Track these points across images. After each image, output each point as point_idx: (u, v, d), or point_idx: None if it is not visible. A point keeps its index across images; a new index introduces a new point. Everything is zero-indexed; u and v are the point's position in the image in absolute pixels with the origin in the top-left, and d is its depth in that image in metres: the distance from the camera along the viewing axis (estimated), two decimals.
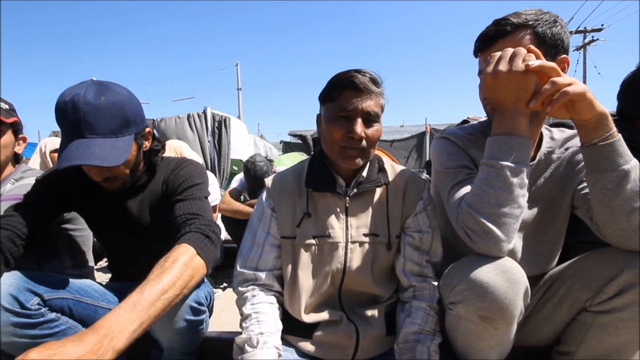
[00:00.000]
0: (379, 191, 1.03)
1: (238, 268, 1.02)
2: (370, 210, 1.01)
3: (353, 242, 0.99)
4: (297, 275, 0.98)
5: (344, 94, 0.93)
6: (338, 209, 1.00)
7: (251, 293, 0.98)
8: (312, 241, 0.99)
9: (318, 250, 0.99)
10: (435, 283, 0.99)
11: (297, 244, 0.99)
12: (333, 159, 0.99)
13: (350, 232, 0.99)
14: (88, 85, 0.97)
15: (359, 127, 0.91)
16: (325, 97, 0.97)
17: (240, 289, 1.00)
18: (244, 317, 0.95)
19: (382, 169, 1.05)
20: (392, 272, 1.04)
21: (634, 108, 1.24)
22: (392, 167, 1.08)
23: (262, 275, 1.00)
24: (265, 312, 0.94)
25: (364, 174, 1.01)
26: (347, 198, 1.00)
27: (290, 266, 1.00)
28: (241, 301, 0.99)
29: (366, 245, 1.00)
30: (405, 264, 1.00)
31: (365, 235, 0.99)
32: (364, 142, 0.93)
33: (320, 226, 0.99)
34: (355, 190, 1.00)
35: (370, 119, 0.93)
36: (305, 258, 0.99)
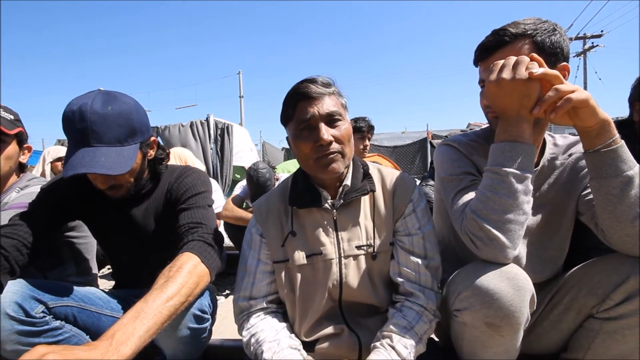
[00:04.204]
0: (366, 199, 0.99)
1: (233, 300, 1.01)
2: (359, 220, 0.97)
3: (346, 257, 0.95)
4: (294, 298, 0.97)
5: (298, 107, 0.91)
6: (326, 223, 0.97)
7: (245, 321, 0.98)
8: (305, 261, 0.96)
9: (312, 269, 0.96)
10: (433, 292, 0.94)
11: (291, 267, 0.97)
12: (313, 174, 0.96)
13: (342, 247, 0.96)
14: (95, 94, 0.98)
15: (324, 132, 0.88)
16: (285, 117, 0.96)
17: (238, 321, 1.00)
18: (245, 345, 0.95)
19: (367, 175, 1.01)
20: (391, 280, 1.00)
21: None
22: (379, 172, 1.03)
23: (256, 303, 0.98)
24: (261, 329, 0.93)
25: (348, 182, 0.97)
26: (335, 211, 0.97)
27: (286, 290, 0.97)
28: (240, 330, 0.99)
29: (360, 258, 0.96)
30: (400, 270, 0.95)
31: (358, 247, 0.96)
32: (335, 145, 0.90)
33: (310, 244, 0.96)
34: (341, 201, 0.96)
35: (333, 119, 0.90)
36: (300, 279, 0.97)
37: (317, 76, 0.94)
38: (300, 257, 0.96)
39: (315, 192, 0.97)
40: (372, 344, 0.90)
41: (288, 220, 0.99)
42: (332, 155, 0.90)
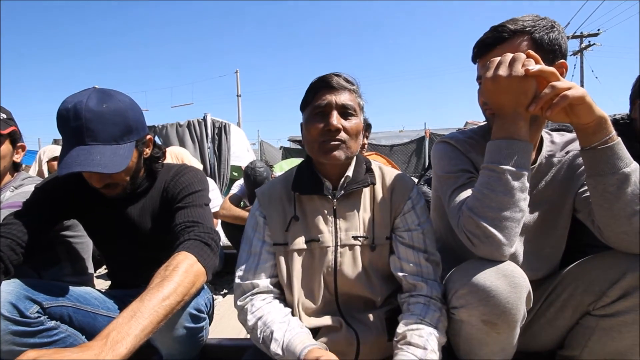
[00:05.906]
0: (366, 192, 1.02)
1: (236, 281, 1.00)
2: (359, 211, 1.00)
3: (342, 246, 0.97)
4: (291, 282, 0.98)
5: (318, 94, 0.95)
6: (326, 212, 0.99)
7: (250, 303, 0.96)
8: (303, 246, 0.98)
9: (309, 255, 0.98)
10: (436, 283, 0.95)
11: (289, 250, 0.98)
12: (316, 158, 0.98)
13: (339, 235, 0.98)
14: (90, 92, 0.97)
15: (335, 118, 0.91)
16: (304, 103, 0.99)
17: (239, 303, 0.97)
18: (251, 329, 0.93)
19: (369, 170, 1.04)
20: (388, 275, 1.01)
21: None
22: (380, 169, 1.07)
23: (260, 283, 0.98)
24: (268, 311, 0.93)
25: (350, 174, 0.99)
26: (335, 200, 0.99)
27: (284, 273, 0.98)
28: (242, 315, 0.96)
29: (356, 248, 0.98)
30: (402, 265, 0.96)
31: (355, 238, 0.98)
32: (342, 134, 0.93)
33: (309, 230, 0.99)
34: (342, 191, 0.99)
35: (347, 112, 0.94)
36: (297, 264, 0.98)
37: (343, 73, 0.98)
38: (300, 241, 0.98)
39: (318, 181, 1.00)
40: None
41: (291, 206, 1.01)
42: (336, 142, 0.92)
